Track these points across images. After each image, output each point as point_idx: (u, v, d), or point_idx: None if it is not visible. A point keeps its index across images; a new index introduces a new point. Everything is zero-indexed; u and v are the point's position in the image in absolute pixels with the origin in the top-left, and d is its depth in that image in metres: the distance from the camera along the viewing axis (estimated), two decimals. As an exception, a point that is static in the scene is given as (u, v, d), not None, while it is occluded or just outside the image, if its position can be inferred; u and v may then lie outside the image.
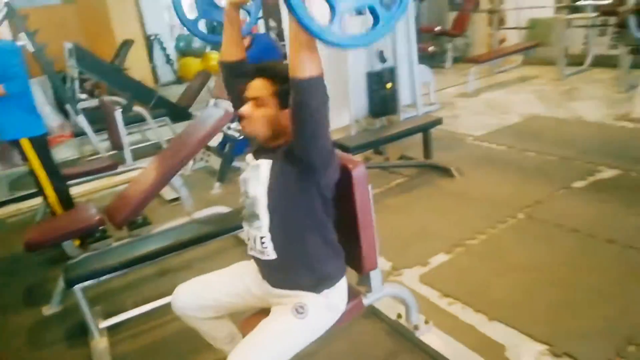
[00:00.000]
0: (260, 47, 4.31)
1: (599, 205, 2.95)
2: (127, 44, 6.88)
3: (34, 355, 2.38)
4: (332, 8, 1.03)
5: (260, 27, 6.65)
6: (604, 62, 6.39)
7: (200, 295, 1.71)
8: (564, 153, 3.80)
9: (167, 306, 2.41)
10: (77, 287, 2.18)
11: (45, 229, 2.64)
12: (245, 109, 1.45)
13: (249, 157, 1.57)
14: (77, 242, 2.92)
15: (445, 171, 3.71)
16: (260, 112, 1.44)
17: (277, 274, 1.56)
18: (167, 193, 3.89)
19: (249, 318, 1.68)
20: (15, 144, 3.02)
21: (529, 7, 7.04)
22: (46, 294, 2.75)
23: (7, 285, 3.04)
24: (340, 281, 1.60)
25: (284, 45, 5.72)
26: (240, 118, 1.48)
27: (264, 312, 1.62)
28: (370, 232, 1.70)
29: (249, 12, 1.94)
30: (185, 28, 1.92)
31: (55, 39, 6.65)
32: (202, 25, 1.98)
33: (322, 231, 1.52)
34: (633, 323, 1.98)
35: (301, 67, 1.20)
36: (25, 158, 3.04)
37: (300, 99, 1.25)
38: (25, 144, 2.99)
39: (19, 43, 4.07)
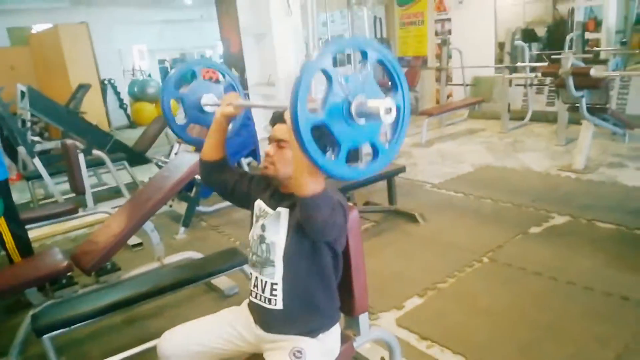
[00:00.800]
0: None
1: (556, 249, 3.15)
2: (83, 88, 6.76)
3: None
4: (339, 145, 1.12)
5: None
6: (542, 117, 6.97)
7: (190, 341, 1.67)
8: (517, 200, 4.05)
9: (137, 357, 2.34)
10: (46, 337, 2.06)
11: (6, 276, 2.49)
12: (271, 149, 1.52)
13: (260, 202, 1.61)
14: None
15: (409, 217, 3.85)
16: (284, 153, 1.50)
17: (276, 322, 1.56)
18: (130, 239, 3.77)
19: (242, 365, 1.66)
20: None
21: (473, 67, 7.60)
22: (2, 345, 2.56)
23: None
24: (335, 325, 1.62)
25: (246, 94, 5.84)
26: (265, 157, 1.54)
27: (257, 358, 1.61)
28: (363, 276, 1.75)
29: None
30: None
31: (6, 80, 6.48)
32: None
33: (329, 284, 1.57)
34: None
35: (305, 186, 1.26)
36: None
37: (307, 214, 1.31)
38: None
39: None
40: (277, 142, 1.53)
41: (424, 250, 3.37)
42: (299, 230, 1.46)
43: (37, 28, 9.03)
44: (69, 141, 3.68)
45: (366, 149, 1.24)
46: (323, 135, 1.14)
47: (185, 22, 12.41)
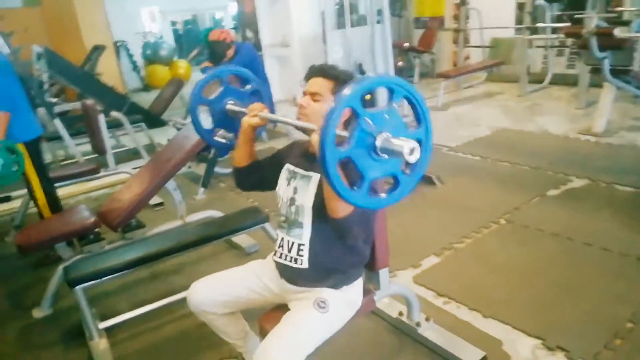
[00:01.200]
0: (244, 56, 4.38)
1: (574, 212, 3.16)
2: (98, 50, 6.75)
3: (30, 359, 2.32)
4: (362, 178, 1.16)
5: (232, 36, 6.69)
6: (562, 80, 6.82)
7: (218, 291, 1.74)
8: (535, 163, 4.03)
9: (163, 309, 2.44)
10: (79, 288, 2.15)
11: (38, 231, 2.57)
12: (304, 100, 1.55)
13: (289, 165, 1.64)
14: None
15: (427, 179, 3.86)
16: (317, 105, 1.53)
17: (301, 278, 1.61)
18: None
19: (268, 314, 1.72)
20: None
21: (492, 27, 7.41)
22: (34, 297, 2.68)
23: (-12, 290, 2.93)
24: (358, 279, 1.68)
25: (260, 55, 5.80)
26: (299, 108, 1.57)
27: (282, 307, 1.67)
28: (384, 232, 1.79)
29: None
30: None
31: (20, 42, 6.46)
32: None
33: (358, 248, 1.61)
34: (612, 316, 2.15)
35: (336, 210, 1.38)
36: None
37: (340, 234, 1.46)
38: (20, 148, 2.90)
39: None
40: (312, 95, 1.55)
41: (441, 212, 3.40)
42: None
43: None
44: (89, 102, 3.71)
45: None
46: (348, 167, 1.18)
47: (197, -17, 12.19)
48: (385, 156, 1.16)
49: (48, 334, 2.46)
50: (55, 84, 7.08)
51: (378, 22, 4.91)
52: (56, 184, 3.50)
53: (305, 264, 1.57)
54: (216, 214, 3.14)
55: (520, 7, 7.41)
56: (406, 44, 8.12)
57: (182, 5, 12.98)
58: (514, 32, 7.47)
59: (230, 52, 4.38)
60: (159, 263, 2.70)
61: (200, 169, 4.26)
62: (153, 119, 6.03)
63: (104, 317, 2.40)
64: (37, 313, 2.60)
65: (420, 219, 3.31)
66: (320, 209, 1.51)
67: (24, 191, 3.38)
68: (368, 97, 1.15)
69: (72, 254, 2.64)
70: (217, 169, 4.33)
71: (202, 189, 4.04)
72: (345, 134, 1.14)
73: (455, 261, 2.75)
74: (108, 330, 2.35)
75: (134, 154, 5.22)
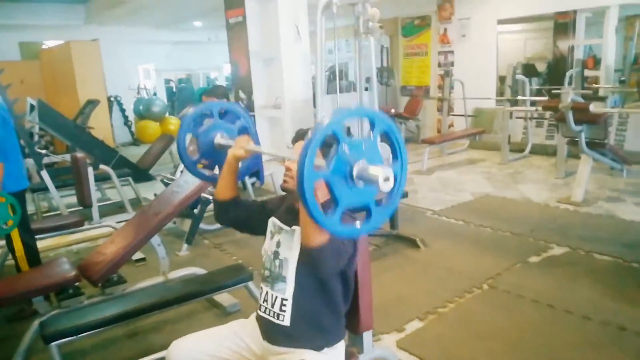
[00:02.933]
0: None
1: (554, 279, 3.20)
2: (92, 104, 6.88)
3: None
4: (337, 203, 1.19)
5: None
6: (542, 150, 7.09)
7: (198, 350, 1.70)
8: (516, 230, 4.11)
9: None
10: (54, 345, 2.09)
11: (16, 284, 2.52)
12: (290, 163, 1.59)
13: (274, 220, 1.67)
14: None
15: (411, 242, 3.90)
16: None
17: (282, 337, 1.60)
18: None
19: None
20: None
21: (474, 98, 7.76)
22: (7, 352, 2.56)
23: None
24: (340, 342, 1.67)
25: (252, 115, 5.96)
26: (285, 171, 1.61)
27: (263, 369, 1.65)
28: (369, 293, 1.80)
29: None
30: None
31: (16, 94, 6.57)
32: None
33: (337, 308, 1.63)
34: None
35: (311, 237, 1.35)
36: None
37: (313, 264, 1.42)
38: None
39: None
40: None
41: (425, 275, 3.41)
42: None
43: (49, 44, 9.21)
44: (79, 154, 3.75)
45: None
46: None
47: (193, 44, 12.65)
48: (361, 184, 1.18)
49: (16, 393, 2.35)
50: (45, 135, 7.16)
51: (366, 89, 5.14)
52: (39, 236, 3.48)
53: (287, 321, 1.57)
54: (199, 271, 3.11)
55: (502, 80, 7.81)
56: (392, 110, 8.42)
57: (178, 64, 13.39)
58: (495, 103, 7.83)
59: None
60: (138, 320, 2.64)
61: (185, 225, 4.25)
62: (140, 173, 6.06)
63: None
64: (7, 370, 2.49)
65: (404, 282, 3.32)
66: (303, 265, 1.53)
67: (2, 242, 3.32)
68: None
69: (50, 309, 2.58)
70: (202, 226, 4.33)
71: (185, 245, 4.01)
72: (322, 162, 1.17)
73: (438, 326, 2.74)
74: (80, 390, 2.27)
75: (119, 208, 5.21)
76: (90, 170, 3.81)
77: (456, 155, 7.60)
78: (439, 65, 8.65)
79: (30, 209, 5.25)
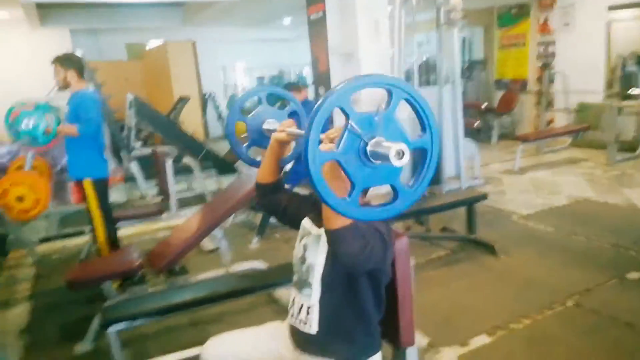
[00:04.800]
0: (309, 112, 4.47)
1: (656, 300, 2.76)
2: (183, 100, 7.27)
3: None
4: (353, 184, 1.06)
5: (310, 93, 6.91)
6: (657, 151, 6.24)
7: (231, 350, 1.68)
8: (616, 241, 3.63)
9: (195, 358, 2.39)
10: (112, 330, 2.18)
11: (88, 269, 2.69)
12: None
13: (307, 221, 1.58)
14: (115, 284, 2.96)
15: (488, 248, 3.60)
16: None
17: (311, 345, 1.52)
18: (206, 243, 3.93)
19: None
20: (79, 183, 3.16)
21: (578, 92, 7.04)
22: (81, 331, 2.75)
23: (44, 319, 3.08)
24: (375, 355, 1.53)
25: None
26: None
27: (295, 377, 1.56)
28: (409, 307, 1.64)
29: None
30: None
31: (120, 90, 7.15)
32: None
33: (368, 319, 1.49)
34: None
35: (331, 219, 1.20)
36: (84, 197, 3.17)
37: (335, 248, 1.24)
38: (88, 185, 3.13)
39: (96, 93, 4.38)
40: None
41: (500, 285, 3.12)
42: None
43: (151, 44, 9.91)
44: (159, 149, 3.94)
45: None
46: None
47: (282, 41, 12.92)
48: (378, 162, 1.04)
49: (82, 370, 2.50)
50: (144, 129, 7.70)
51: (450, 83, 4.85)
52: (122, 223, 3.72)
53: (314, 329, 1.47)
54: (260, 265, 3.12)
55: (611, 72, 7.00)
56: (484, 105, 7.92)
57: (269, 62, 13.76)
58: (602, 97, 7.05)
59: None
60: (199, 310, 2.70)
61: (258, 218, 4.31)
62: (225, 166, 6.28)
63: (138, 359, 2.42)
64: (79, 348, 2.66)
65: (475, 291, 3.06)
66: (329, 270, 1.42)
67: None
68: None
69: (117, 294, 2.71)
70: (274, 220, 4.36)
71: (256, 238, 4.06)
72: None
73: (508, 344, 2.48)
74: (137, 374, 2.36)
75: (200, 199, 5.43)
76: (169, 163, 3.98)
77: (555, 154, 6.95)
78: (538, 56, 7.96)
79: (123, 197, 5.70)
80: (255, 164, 1.95)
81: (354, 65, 5.37)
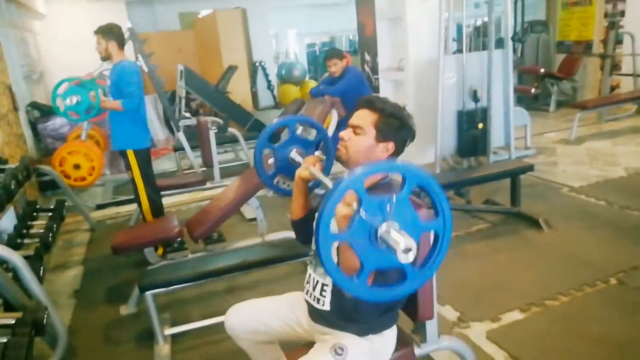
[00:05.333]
0: (349, 80, 4.40)
1: None
2: (231, 69, 7.34)
3: (104, 352, 2.56)
4: (362, 266, 1.07)
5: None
6: None
7: (252, 318, 1.74)
8: (674, 216, 3.39)
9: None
10: (148, 294, 2.32)
11: (131, 235, 2.85)
12: (345, 132, 1.51)
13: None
14: (160, 250, 3.12)
15: (532, 222, 3.47)
16: (358, 138, 1.49)
17: (323, 320, 1.55)
18: (248, 212, 4.04)
19: (294, 351, 1.67)
20: (122, 154, 3.32)
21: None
22: (127, 294, 2.95)
23: (94, 282, 3.31)
24: (388, 329, 1.54)
25: (376, 78, 5.79)
26: (340, 140, 1.53)
27: (310, 345, 1.60)
28: (428, 282, 1.62)
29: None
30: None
31: (173, 61, 7.32)
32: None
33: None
34: None
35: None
36: (128, 167, 3.32)
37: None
38: (130, 155, 3.26)
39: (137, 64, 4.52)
40: (354, 127, 1.50)
41: (540, 260, 3.02)
42: None
43: (203, 13, 10.01)
44: (202, 118, 4.03)
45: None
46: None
47: (334, 6, 12.66)
48: (385, 246, 1.07)
49: (126, 331, 2.68)
50: (195, 99, 7.89)
51: (500, 47, 4.60)
52: (167, 192, 3.88)
53: (327, 306, 1.50)
54: (293, 235, 3.16)
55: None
56: (542, 70, 7.47)
57: (320, 28, 13.58)
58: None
59: (337, 71, 4.44)
60: (235, 277, 2.80)
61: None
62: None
63: (175, 323, 2.57)
64: (124, 310, 2.86)
65: (514, 266, 2.98)
66: None
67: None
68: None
69: (159, 259, 2.87)
70: (316, 191, 4.39)
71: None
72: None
73: (541, 321, 2.41)
74: (175, 336, 2.51)
75: (245, 168, 5.54)
76: (212, 133, 4.07)
77: (617, 122, 6.49)
78: (606, 15, 7.35)
79: (174, 166, 5.91)
80: (280, 191, 1.98)
81: (400, 30, 5.21)
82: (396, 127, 1.48)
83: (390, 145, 1.49)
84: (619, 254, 2.97)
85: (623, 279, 2.69)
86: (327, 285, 1.49)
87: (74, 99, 3.15)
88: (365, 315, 1.48)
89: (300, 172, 1.61)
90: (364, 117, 1.50)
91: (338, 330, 1.51)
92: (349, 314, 1.48)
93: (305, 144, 1.87)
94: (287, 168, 1.88)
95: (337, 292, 1.48)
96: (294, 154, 1.85)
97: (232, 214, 2.94)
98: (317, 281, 1.52)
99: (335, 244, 1.24)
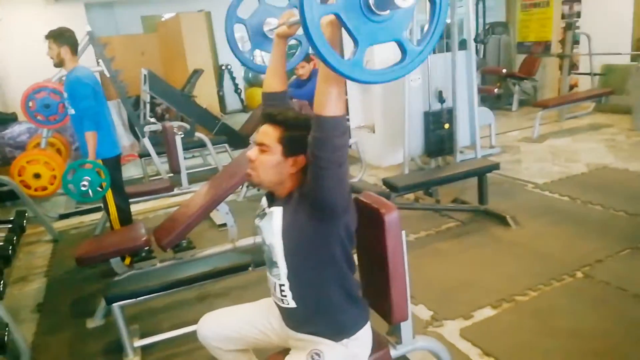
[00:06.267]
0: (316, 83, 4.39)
1: (670, 272, 2.68)
2: (197, 73, 7.25)
3: (71, 367, 2.46)
4: (355, 42, 0.98)
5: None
6: (686, 114, 5.96)
7: (225, 326, 1.71)
8: (633, 209, 3.52)
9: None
10: (116, 305, 2.24)
11: (96, 245, 2.75)
12: (252, 152, 1.42)
13: (264, 200, 1.56)
14: (127, 260, 3.03)
15: (500, 219, 3.54)
16: (264, 157, 1.39)
17: (296, 320, 1.52)
18: (218, 218, 3.97)
19: (271, 357, 1.64)
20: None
21: (603, 54, 6.72)
22: (93, 306, 2.85)
23: (58, 295, 3.19)
24: (360, 331, 1.52)
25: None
26: (248, 162, 1.44)
27: (285, 352, 1.58)
28: (402, 282, 1.62)
29: (300, 42, 1.88)
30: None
31: (137, 65, 7.15)
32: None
33: (342, 281, 1.46)
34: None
35: (327, 104, 1.16)
36: None
37: (324, 136, 1.20)
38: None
39: (97, 69, 4.39)
40: (259, 146, 1.41)
41: (509, 257, 3.07)
42: (295, 223, 1.38)
43: (166, 16, 9.83)
44: (167, 123, 3.95)
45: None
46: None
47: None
48: (384, 14, 0.97)
49: (94, 345, 2.58)
50: (161, 104, 7.73)
51: (462, 49, 4.69)
52: (134, 199, 3.78)
53: (292, 303, 1.48)
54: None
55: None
56: (504, 70, 7.66)
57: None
58: (630, 59, 6.72)
59: (304, 74, 4.44)
60: (205, 285, 2.74)
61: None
62: (238, 140, 6.29)
63: (145, 335, 2.49)
64: (90, 323, 2.76)
65: (483, 264, 3.02)
66: (289, 244, 1.40)
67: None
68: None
69: (126, 269, 2.78)
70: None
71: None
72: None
73: (512, 316, 2.45)
74: (145, 348, 2.43)
75: (213, 174, 5.46)
76: (178, 138, 4.00)
77: (577, 120, 6.72)
78: (563, 16, 7.61)
79: (140, 172, 5.77)
80: (261, 69, 1.87)
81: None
82: (303, 139, 1.29)
83: (300, 159, 1.37)
84: (584, 247, 3.05)
85: (589, 272, 2.77)
86: (283, 285, 1.47)
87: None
88: (331, 303, 1.45)
89: (277, 30, 1.52)
90: (267, 134, 1.39)
91: (312, 335, 1.49)
92: (317, 305, 1.46)
93: (278, 12, 1.75)
94: (264, 42, 1.78)
95: (295, 287, 1.46)
96: (268, 25, 1.75)
97: (201, 220, 2.88)
98: (274, 282, 1.50)
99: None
